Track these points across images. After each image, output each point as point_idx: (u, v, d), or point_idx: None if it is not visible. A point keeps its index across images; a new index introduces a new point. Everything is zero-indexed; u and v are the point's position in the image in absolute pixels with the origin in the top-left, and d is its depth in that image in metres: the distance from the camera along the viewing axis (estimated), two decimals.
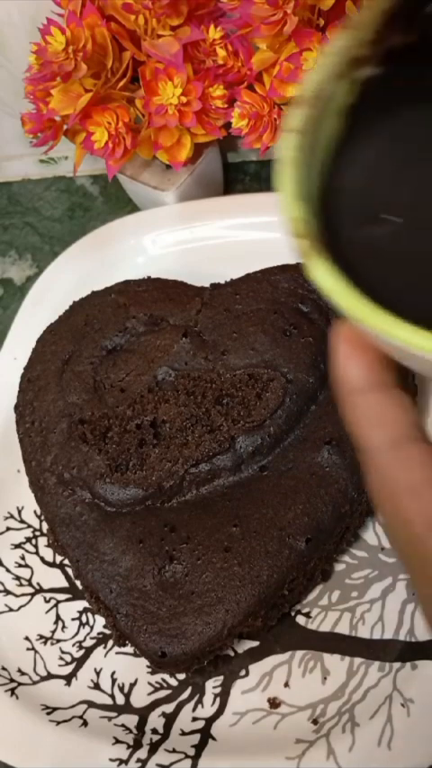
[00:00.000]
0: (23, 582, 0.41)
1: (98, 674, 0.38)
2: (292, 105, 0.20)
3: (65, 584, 0.41)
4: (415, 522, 0.16)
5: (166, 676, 0.38)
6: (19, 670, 0.39)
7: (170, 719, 0.37)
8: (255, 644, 0.38)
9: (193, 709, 0.37)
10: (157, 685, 0.38)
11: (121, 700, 0.38)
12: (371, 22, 0.20)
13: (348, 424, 0.18)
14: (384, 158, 0.20)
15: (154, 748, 0.36)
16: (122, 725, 0.37)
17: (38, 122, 0.46)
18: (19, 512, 0.43)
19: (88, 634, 0.40)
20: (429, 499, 0.16)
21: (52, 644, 0.40)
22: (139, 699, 0.37)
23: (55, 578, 0.41)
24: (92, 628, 0.40)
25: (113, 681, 0.38)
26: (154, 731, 0.36)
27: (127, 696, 0.38)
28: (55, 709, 0.37)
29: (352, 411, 0.18)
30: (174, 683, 0.38)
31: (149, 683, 0.38)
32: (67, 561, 0.41)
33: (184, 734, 0.36)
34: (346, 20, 0.20)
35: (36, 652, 0.39)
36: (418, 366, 0.17)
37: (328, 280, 0.17)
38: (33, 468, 0.41)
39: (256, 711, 0.36)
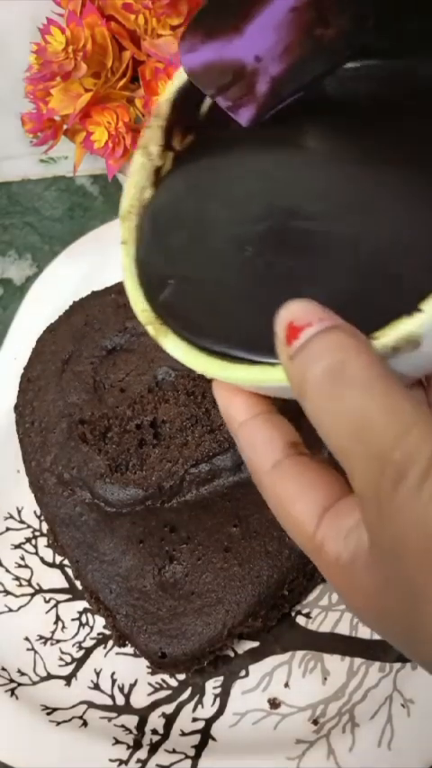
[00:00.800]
0: (23, 582, 0.41)
1: (98, 674, 0.38)
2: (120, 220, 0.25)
3: (65, 584, 0.41)
4: (302, 524, 0.19)
5: (166, 677, 0.38)
6: (19, 670, 0.39)
7: (170, 720, 0.37)
8: (255, 644, 0.38)
9: (194, 710, 0.37)
10: (157, 686, 0.38)
11: (121, 700, 0.38)
12: (156, 138, 0.26)
13: (242, 455, 0.21)
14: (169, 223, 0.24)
15: (154, 749, 0.36)
16: (122, 725, 0.37)
17: (38, 122, 0.46)
18: (19, 512, 0.43)
19: (88, 634, 0.39)
20: (305, 504, 0.19)
21: (52, 644, 0.39)
22: (139, 699, 0.37)
23: (55, 579, 0.41)
24: (92, 628, 0.40)
25: (113, 681, 0.38)
26: (154, 731, 0.36)
27: (127, 696, 0.38)
28: (55, 709, 0.37)
29: (239, 443, 0.21)
30: (174, 683, 0.38)
31: (149, 684, 0.38)
32: (66, 561, 0.40)
33: (184, 734, 0.36)
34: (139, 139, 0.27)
35: (36, 652, 0.39)
36: (273, 393, 0.20)
37: (177, 353, 0.21)
38: (33, 468, 0.40)
39: (256, 712, 0.36)
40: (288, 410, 0.21)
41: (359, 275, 0.20)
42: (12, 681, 0.38)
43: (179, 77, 0.26)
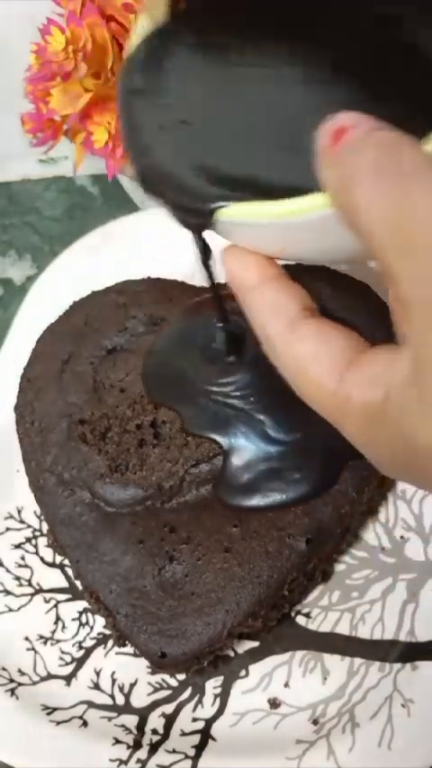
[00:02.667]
0: (23, 582, 0.41)
1: (98, 674, 0.38)
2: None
3: (65, 584, 0.41)
4: (324, 382, 0.18)
5: (166, 677, 0.38)
6: (19, 670, 0.39)
7: (170, 720, 0.37)
8: (255, 644, 0.38)
9: (194, 710, 0.37)
10: (157, 686, 0.38)
11: (120, 700, 0.38)
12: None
13: (251, 321, 0.20)
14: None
15: (154, 749, 0.36)
16: (122, 725, 0.37)
17: (38, 122, 0.46)
18: (19, 512, 0.43)
19: (88, 634, 0.39)
20: (327, 360, 0.18)
21: (52, 644, 0.40)
22: (139, 699, 0.37)
23: (55, 578, 0.41)
24: (92, 628, 0.40)
25: (113, 681, 0.38)
26: (154, 731, 0.36)
27: (127, 696, 0.38)
28: (55, 709, 0.37)
29: (249, 307, 0.20)
30: (174, 683, 0.38)
31: (149, 684, 0.38)
32: (66, 561, 0.41)
33: (184, 734, 0.36)
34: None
35: (36, 652, 0.39)
36: (298, 238, 0.19)
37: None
38: (33, 468, 0.40)
39: (256, 712, 0.36)
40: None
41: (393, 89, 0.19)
42: (12, 680, 0.38)
43: None
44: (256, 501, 0.36)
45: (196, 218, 0.20)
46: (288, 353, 0.19)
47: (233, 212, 0.19)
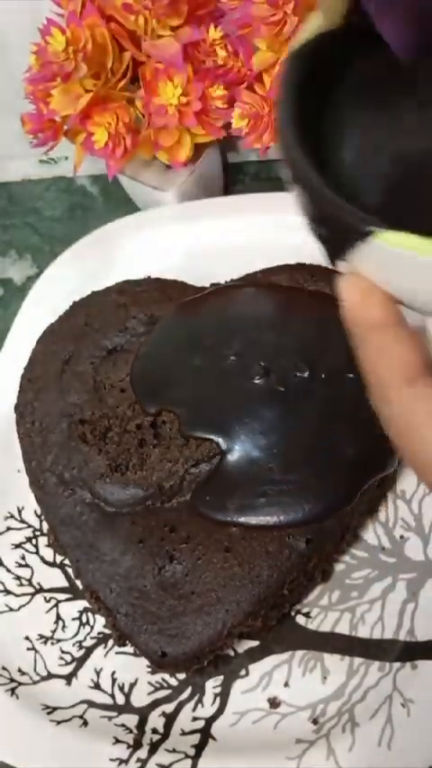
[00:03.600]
0: (24, 582, 0.41)
1: (98, 673, 0.38)
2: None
3: (65, 583, 0.41)
4: None
5: (167, 676, 0.38)
6: (19, 670, 0.39)
7: (170, 719, 0.37)
8: (255, 644, 0.38)
9: (194, 709, 0.37)
10: (158, 685, 0.38)
11: (121, 699, 0.38)
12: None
13: (363, 362, 0.19)
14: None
15: (154, 748, 0.36)
16: (122, 724, 0.37)
17: (38, 122, 0.46)
18: (19, 512, 0.43)
19: (88, 634, 0.40)
20: None
21: (52, 644, 0.40)
22: (140, 698, 0.38)
23: (55, 578, 0.41)
24: (92, 627, 0.40)
25: (113, 680, 0.38)
26: (154, 731, 0.36)
27: (127, 696, 0.38)
28: (55, 708, 0.37)
29: (367, 349, 0.18)
30: (174, 682, 0.38)
31: (149, 683, 0.38)
32: (67, 561, 0.41)
33: (184, 734, 0.36)
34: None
35: (36, 652, 0.39)
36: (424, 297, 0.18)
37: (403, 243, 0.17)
38: (33, 468, 0.41)
39: (256, 711, 0.36)
40: None
41: None
42: (12, 680, 0.38)
43: None
44: (238, 517, 0.36)
45: (346, 234, 0.18)
46: (402, 409, 0.18)
47: (396, 240, 0.17)
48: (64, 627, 0.40)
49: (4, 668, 0.39)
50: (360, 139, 0.21)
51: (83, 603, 0.40)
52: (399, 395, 0.18)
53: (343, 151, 0.21)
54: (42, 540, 0.42)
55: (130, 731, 0.36)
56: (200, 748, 0.36)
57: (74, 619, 0.40)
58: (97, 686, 0.38)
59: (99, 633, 0.39)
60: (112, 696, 0.38)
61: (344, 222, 0.18)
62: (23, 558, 0.42)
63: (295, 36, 0.22)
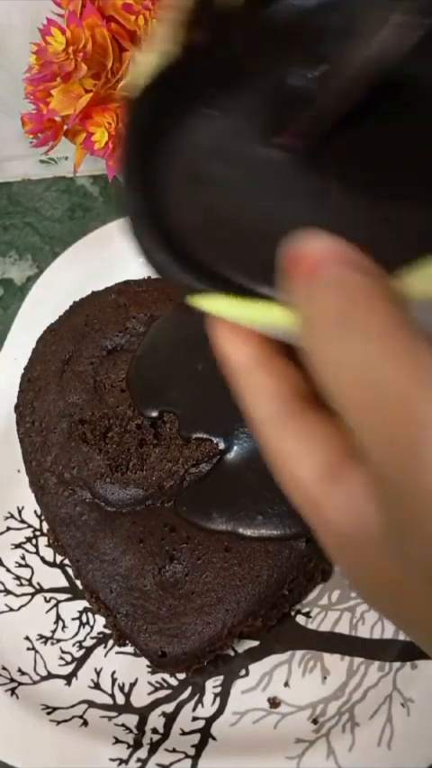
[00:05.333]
0: (24, 582, 0.41)
1: (98, 673, 0.38)
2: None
3: (65, 583, 0.41)
4: (303, 486, 0.17)
5: (167, 676, 0.38)
6: (19, 670, 0.39)
7: (170, 719, 0.37)
8: (255, 644, 0.38)
9: (194, 709, 0.37)
10: (158, 685, 0.38)
11: (121, 699, 0.38)
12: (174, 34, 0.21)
13: (241, 403, 0.19)
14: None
15: (154, 748, 0.36)
16: (123, 724, 0.37)
17: (38, 123, 0.46)
18: (19, 512, 0.43)
19: (88, 634, 0.40)
20: (308, 464, 0.17)
21: (52, 644, 0.40)
22: (140, 698, 0.37)
23: (55, 578, 0.41)
24: (92, 627, 0.40)
25: (114, 680, 0.38)
26: (154, 731, 0.36)
27: (127, 696, 0.38)
28: (55, 708, 0.37)
29: (238, 389, 0.19)
30: (174, 682, 0.38)
31: (149, 683, 0.38)
32: (67, 561, 0.41)
33: (184, 733, 0.36)
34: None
35: (36, 652, 0.39)
36: (275, 334, 0.18)
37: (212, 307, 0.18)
38: (33, 468, 0.41)
39: (256, 711, 0.36)
40: (293, 354, 0.19)
41: (384, 203, 0.18)
42: (12, 680, 0.38)
43: None
44: (229, 527, 0.36)
45: (189, 291, 0.19)
46: (270, 444, 0.18)
47: (210, 304, 0.18)
48: (64, 627, 0.40)
49: (4, 668, 0.39)
50: (195, 188, 0.21)
51: (83, 603, 0.40)
52: (267, 430, 0.18)
53: (181, 201, 0.21)
54: (42, 540, 0.42)
55: (131, 731, 0.36)
56: (200, 748, 0.36)
57: (74, 619, 0.40)
58: (97, 686, 0.38)
59: (99, 633, 0.39)
60: (112, 696, 0.38)
61: (179, 286, 0.19)
62: (23, 557, 0.42)
63: (133, 75, 0.22)
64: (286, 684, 0.37)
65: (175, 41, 0.21)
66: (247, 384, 0.19)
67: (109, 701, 0.38)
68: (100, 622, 0.40)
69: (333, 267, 0.15)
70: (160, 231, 0.20)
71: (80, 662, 0.39)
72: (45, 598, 0.41)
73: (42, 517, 0.42)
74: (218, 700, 0.37)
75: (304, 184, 0.19)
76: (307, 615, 0.38)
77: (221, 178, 0.20)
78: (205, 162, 0.21)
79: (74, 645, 0.39)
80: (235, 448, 0.37)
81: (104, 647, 0.39)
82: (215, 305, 0.18)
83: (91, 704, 0.38)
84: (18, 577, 0.42)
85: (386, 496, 0.15)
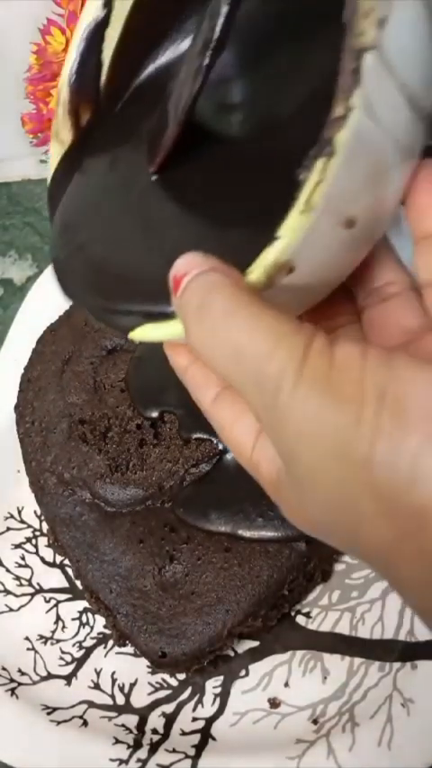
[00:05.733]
0: (23, 582, 0.41)
1: (98, 674, 0.38)
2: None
3: (65, 584, 0.41)
4: (242, 448, 0.22)
5: (167, 676, 0.38)
6: (19, 670, 0.39)
7: (170, 719, 0.37)
8: (255, 644, 0.38)
9: (194, 709, 0.37)
10: (158, 685, 0.38)
11: (121, 700, 0.38)
12: (65, 123, 0.27)
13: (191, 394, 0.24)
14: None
15: (154, 748, 0.36)
16: (122, 725, 0.37)
17: (38, 122, 0.46)
18: (19, 512, 0.43)
19: (88, 634, 0.39)
20: (243, 428, 0.22)
21: (52, 644, 0.40)
22: (140, 699, 0.37)
23: (55, 578, 0.41)
24: (92, 628, 0.40)
25: (113, 681, 0.38)
26: (154, 731, 0.36)
27: (127, 696, 0.38)
28: (55, 709, 0.37)
29: (187, 386, 0.23)
30: (174, 683, 0.38)
31: (149, 683, 0.38)
32: (67, 561, 0.41)
33: (184, 734, 0.36)
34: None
35: (36, 652, 0.39)
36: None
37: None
38: (33, 468, 0.41)
39: (256, 711, 0.36)
40: None
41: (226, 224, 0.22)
42: (12, 680, 0.38)
43: (70, 58, 0.26)
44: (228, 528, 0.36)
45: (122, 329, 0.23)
46: (214, 421, 0.23)
47: (136, 334, 0.22)
48: (64, 627, 0.40)
49: (3, 668, 0.39)
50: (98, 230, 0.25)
51: (83, 604, 0.40)
52: (210, 411, 0.23)
53: (97, 253, 0.25)
54: (42, 541, 0.42)
55: (130, 731, 0.36)
56: (200, 748, 0.35)
57: (74, 619, 0.40)
58: (97, 686, 0.38)
59: (99, 633, 0.39)
60: (112, 696, 0.38)
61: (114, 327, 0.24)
62: (23, 558, 0.42)
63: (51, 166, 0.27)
64: (286, 685, 0.37)
65: (66, 129, 0.26)
66: (190, 378, 0.23)
67: (109, 701, 0.38)
68: (100, 623, 0.40)
69: (193, 274, 0.19)
70: (88, 281, 0.25)
71: (80, 662, 0.39)
72: (45, 598, 0.41)
73: (42, 517, 0.42)
74: (218, 700, 0.37)
75: (173, 206, 0.24)
76: (307, 615, 0.38)
77: (115, 224, 0.25)
78: (100, 211, 0.25)
79: (74, 645, 0.39)
80: None
81: (104, 648, 0.39)
82: (141, 335, 0.22)
83: (91, 704, 0.38)
84: (18, 578, 0.42)
85: (271, 441, 0.19)
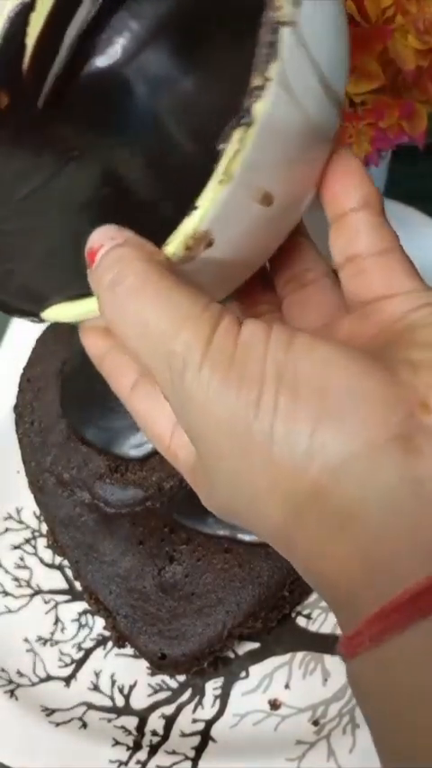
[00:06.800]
0: (23, 583, 0.41)
1: (98, 675, 0.38)
2: None
3: (64, 585, 0.41)
4: (161, 438, 0.22)
5: (166, 678, 0.38)
6: (18, 671, 0.39)
7: (170, 721, 0.37)
8: (255, 645, 0.38)
9: (193, 711, 0.37)
10: (157, 687, 0.38)
11: (120, 701, 0.38)
12: None
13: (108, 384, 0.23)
14: None
15: (154, 750, 0.35)
16: (122, 726, 0.37)
17: None
18: (18, 512, 0.43)
19: (88, 635, 0.39)
20: (160, 419, 0.22)
21: (51, 645, 0.39)
22: (139, 700, 0.37)
23: (54, 579, 0.41)
24: (91, 629, 0.40)
25: (113, 682, 0.38)
26: (154, 733, 0.36)
27: (127, 698, 0.38)
28: (54, 710, 0.37)
29: (103, 374, 0.23)
30: (174, 684, 0.38)
31: (149, 685, 0.38)
32: (66, 562, 0.40)
33: (184, 735, 0.36)
34: None
35: (35, 653, 0.39)
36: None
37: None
38: (33, 468, 0.40)
39: (256, 713, 0.36)
40: None
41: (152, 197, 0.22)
42: (11, 682, 0.38)
43: None
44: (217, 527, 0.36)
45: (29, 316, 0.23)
46: (133, 411, 0.23)
47: (50, 314, 0.22)
48: (63, 628, 0.40)
49: (3, 670, 0.39)
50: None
51: (82, 605, 0.40)
52: (128, 401, 0.23)
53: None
54: (41, 542, 0.42)
55: (130, 733, 0.36)
56: (200, 750, 0.35)
57: (73, 620, 0.40)
58: (96, 688, 0.38)
59: (98, 635, 0.39)
60: (112, 698, 0.38)
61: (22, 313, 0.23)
62: (22, 559, 0.42)
63: None
64: (287, 686, 0.37)
65: None
66: (106, 367, 0.23)
67: (108, 702, 0.38)
68: (99, 624, 0.39)
69: (107, 248, 0.19)
70: None
71: (79, 664, 0.39)
72: (44, 599, 0.41)
73: (41, 518, 0.41)
74: (218, 701, 0.37)
75: (88, 185, 0.23)
76: (308, 617, 0.38)
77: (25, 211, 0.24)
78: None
79: (73, 646, 0.39)
80: None
81: (104, 649, 0.39)
82: (56, 314, 0.22)
83: (90, 706, 0.37)
84: (17, 579, 0.41)
85: (179, 422, 0.19)
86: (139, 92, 0.24)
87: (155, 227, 0.19)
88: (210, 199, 0.18)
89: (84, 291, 0.20)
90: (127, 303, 0.18)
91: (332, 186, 0.21)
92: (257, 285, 0.24)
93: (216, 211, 0.18)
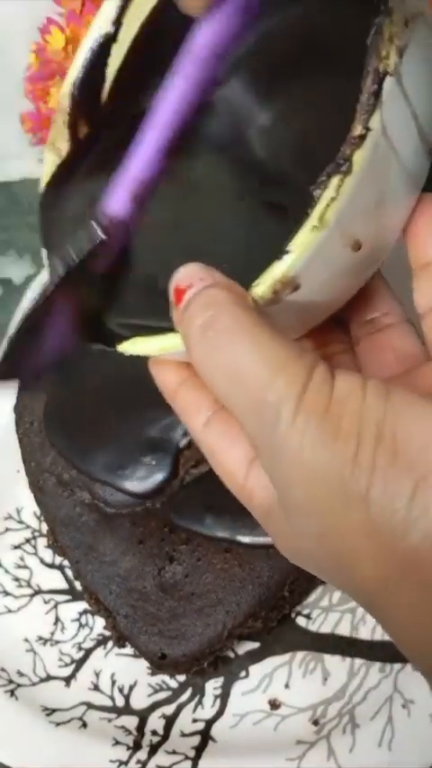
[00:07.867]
0: (23, 583, 0.41)
1: (98, 675, 0.38)
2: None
3: (64, 585, 0.41)
4: (234, 476, 0.22)
5: (166, 678, 0.38)
6: (18, 671, 0.39)
7: (170, 721, 0.37)
8: (255, 645, 0.38)
9: (194, 711, 0.37)
10: (157, 687, 0.38)
11: (120, 701, 0.38)
12: (62, 134, 0.27)
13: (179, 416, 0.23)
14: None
15: (154, 750, 0.36)
16: (122, 726, 0.37)
17: (37, 121, 0.46)
18: (18, 512, 0.43)
19: (88, 635, 0.39)
20: (235, 455, 0.21)
21: (52, 645, 0.39)
22: (139, 700, 0.37)
23: (54, 579, 0.41)
24: (91, 629, 0.40)
25: (113, 682, 0.38)
26: (154, 733, 0.36)
27: (127, 698, 0.38)
28: (54, 710, 0.37)
29: (175, 409, 0.23)
30: (174, 684, 0.38)
31: (149, 685, 0.38)
32: (66, 562, 0.40)
33: (184, 735, 0.36)
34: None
35: (35, 653, 0.39)
36: (183, 359, 0.22)
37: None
38: (33, 468, 0.40)
39: (256, 713, 0.36)
40: None
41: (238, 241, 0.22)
42: (11, 682, 0.38)
43: (76, 68, 0.26)
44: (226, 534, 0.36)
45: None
46: (205, 448, 0.22)
47: (126, 346, 0.22)
48: (63, 628, 0.40)
49: (3, 669, 0.39)
50: None
51: (82, 605, 0.40)
52: (201, 437, 0.22)
53: None
54: (41, 542, 0.42)
55: (130, 733, 0.36)
56: (200, 750, 0.35)
57: (73, 620, 0.40)
58: (97, 688, 0.38)
59: (98, 635, 0.39)
60: (112, 698, 0.38)
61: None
62: (22, 559, 0.42)
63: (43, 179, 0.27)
64: (287, 686, 0.37)
65: (64, 139, 0.26)
66: (180, 402, 0.23)
67: (108, 702, 0.38)
68: (99, 624, 0.39)
69: (197, 288, 0.18)
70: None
71: (79, 663, 0.39)
72: (44, 599, 0.41)
73: (41, 518, 0.41)
74: (218, 701, 0.37)
75: (176, 213, 0.24)
76: (307, 617, 0.38)
77: None
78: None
79: (73, 646, 0.39)
80: None
81: (104, 649, 0.39)
82: (132, 347, 0.22)
83: (90, 706, 0.37)
84: (17, 578, 0.41)
85: (265, 469, 0.19)
86: (225, 127, 0.24)
87: (243, 265, 0.19)
88: (302, 244, 0.18)
89: (161, 325, 0.20)
90: (219, 348, 0.18)
91: (418, 234, 0.21)
92: (330, 323, 0.23)
93: (306, 258, 0.18)
